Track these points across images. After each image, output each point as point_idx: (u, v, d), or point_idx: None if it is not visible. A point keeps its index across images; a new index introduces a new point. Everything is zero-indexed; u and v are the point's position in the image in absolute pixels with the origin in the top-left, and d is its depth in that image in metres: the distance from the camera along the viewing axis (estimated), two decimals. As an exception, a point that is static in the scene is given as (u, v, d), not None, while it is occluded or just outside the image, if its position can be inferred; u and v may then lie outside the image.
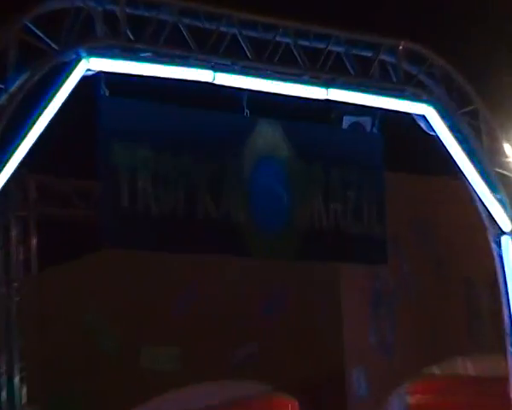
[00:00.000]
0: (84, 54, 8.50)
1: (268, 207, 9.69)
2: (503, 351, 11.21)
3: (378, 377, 12.48)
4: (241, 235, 9.68)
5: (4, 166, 8.60)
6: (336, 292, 12.09)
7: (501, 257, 10.89)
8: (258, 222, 9.61)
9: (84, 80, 8.71)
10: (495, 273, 11.25)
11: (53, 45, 8.40)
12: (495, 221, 11.09)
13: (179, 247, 9.75)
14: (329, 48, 9.79)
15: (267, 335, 12.48)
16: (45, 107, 8.43)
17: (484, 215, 11.09)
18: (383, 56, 10.18)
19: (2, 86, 8.49)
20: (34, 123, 8.44)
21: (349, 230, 10.19)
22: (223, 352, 13.02)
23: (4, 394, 12.23)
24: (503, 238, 10.90)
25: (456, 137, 10.50)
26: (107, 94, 8.65)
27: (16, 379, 12.62)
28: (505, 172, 11.15)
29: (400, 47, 10.18)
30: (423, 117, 10.38)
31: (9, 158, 8.57)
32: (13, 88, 8.40)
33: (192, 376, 13.08)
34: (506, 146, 11.06)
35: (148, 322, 13.36)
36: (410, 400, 12.85)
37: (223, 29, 9.24)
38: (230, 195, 9.43)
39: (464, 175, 10.78)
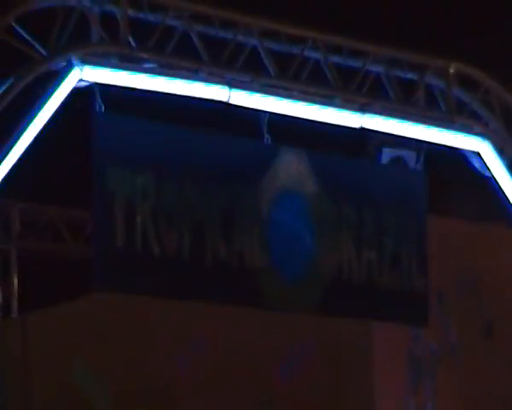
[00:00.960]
0: (76, 61, 7.47)
1: (288, 251, 8.63)
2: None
3: None
4: (255, 282, 8.46)
5: None
6: (367, 357, 10.56)
7: None
8: (276, 267, 8.50)
9: (77, 92, 7.67)
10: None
11: (40, 50, 7.38)
12: None
13: (184, 294, 8.63)
14: (367, 67, 8.87)
15: (283, 403, 10.96)
16: (30, 121, 7.36)
17: None
18: (430, 80, 9.30)
19: None
20: (17, 140, 7.35)
21: (384, 282, 9.18)
22: None
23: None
24: None
25: None
26: (102, 110, 7.56)
27: None
28: None
29: (451, 70, 9.26)
30: (477, 154, 9.61)
31: None
32: None
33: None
34: None
35: (145, 383, 11.72)
36: None
37: (241, 39, 8.20)
38: (244, 234, 8.36)
39: None
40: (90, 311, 12.22)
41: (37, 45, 7.38)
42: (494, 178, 9.65)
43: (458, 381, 11.00)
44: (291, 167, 8.57)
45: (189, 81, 7.96)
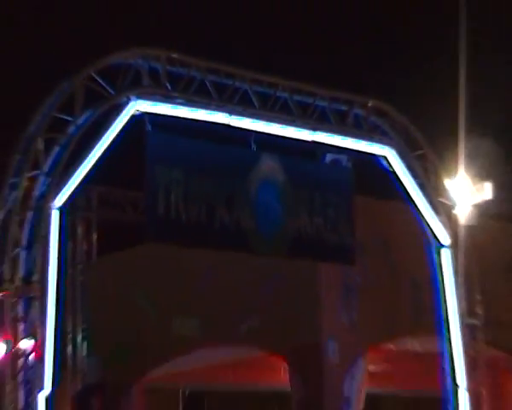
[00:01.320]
0: (133, 98, 9.10)
1: (268, 218, 10.17)
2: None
3: (346, 347, 12.77)
4: (246, 237, 10.21)
5: (74, 179, 9.01)
6: (317, 284, 12.62)
7: (440, 264, 11.28)
8: (260, 229, 10.11)
9: (134, 119, 9.21)
10: (434, 275, 11.96)
11: (110, 91, 9.05)
12: (436, 237, 11.48)
13: (202, 245, 10.36)
14: (316, 102, 10.31)
15: (266, 311, 12.92)
16: (105, 137, 8.95)
17: (428, 232, 11.47)
18: (356, 110, 10.72)
19: (71, 119, 8.96)
20: (97, 147, 8.90)
21: (327, 238, 10.59)
22: (233, 323, 13.45)
23: (70, 348, 13.80)
24: (442, 250, 11.39)
25: (409, 174, 10.93)
26: (150, 129, 9.17)
27: (79, 337, 14.17)
28: (445, 201, 11.55)
29: (369, 104, 10.64)
30: (385, 158, 10.81)
31: (77, 174, 9.01)
32: (80, 121, 8.95)
33: (209, 340, 13.51)
34: (446, 181, 11.49)
35: (178, 298, 13.72)
36: (369, 366, 13.33)
37: (237, 85, 9.78)
38: (240, 208, 9.97)
39: (414, 202, 11.16)
40: (142, 255, 13.49)
41: (108, 88, 9.02)
42: (396, 173, 10.73)
43: (372, 302, 12.62)
44: (269, 165, 9.94)
45: (204, 111, 9.47)
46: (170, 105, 9.52)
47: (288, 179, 10.25)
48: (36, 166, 9.03)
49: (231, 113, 9.82)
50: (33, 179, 9.09)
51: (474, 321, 11.33)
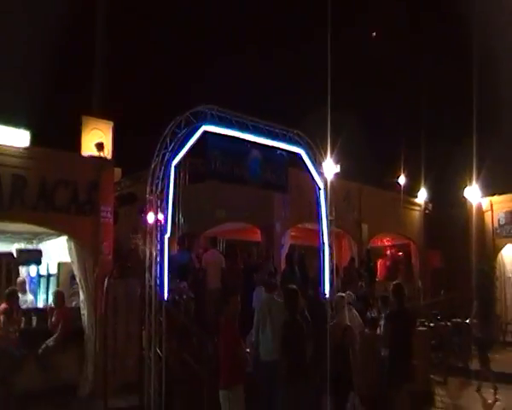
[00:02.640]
0: (204, 124, 10.35)
1: (255, 174, 11.69)
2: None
3: (283, 226, 15.56)
4: (246, 180, 11.70)
5: (180, 155, 10.28)
6: (272, 200, 15.12)
7: (319, 197, 12.64)
8: (251, 178, 11.67)
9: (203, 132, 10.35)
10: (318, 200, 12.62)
11: (194, 120, 10.24)
12: (318, 185, 12.68)
13: (228, 181, 11.87)
14: (266, 127, 11.37)
15: (254, 210, 15.46)
16: (192, 138, 10.31)
17: (316, 183, 12.70)
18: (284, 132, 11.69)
19: (179, 131, 10.12)
20: (190, 141, 10.25)
21: (277, 182, 12.20)
22: (238, 213, 15.81)
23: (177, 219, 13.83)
24: (321, 191, 12.59)
25: (309, 160, 12.41)
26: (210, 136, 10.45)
27: (181, 218, 14.98)
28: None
29: (294, 131, 11.96)
30: (300, 153, 12.13)
31: (181, 152, 10.32)
32: (183, 132, 10.21)
33: (229, 220, 15.98)
34: (323, 163, 12.55)
35: (217, 203, 16.06)
36: (291, 233, 16.29)
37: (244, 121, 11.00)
38: (244, 169, 11.49)
39: (311, 171, 12.36)
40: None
41: (193, 119, 10.10)
42: (303, 160, 12.22)
43: (292, 206, 15.33)
44: (255, 152, 11.60)
45: (231, 131, 10.85)
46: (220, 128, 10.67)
47: (262, 158, 11.75)
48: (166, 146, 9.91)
49: (243, 132, 11.10)
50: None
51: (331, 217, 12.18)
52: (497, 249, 19.28)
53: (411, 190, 19.79)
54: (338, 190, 14.05)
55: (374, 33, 27.12)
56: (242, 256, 13.24)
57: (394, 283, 9.45)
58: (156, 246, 9.74)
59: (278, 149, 11.74)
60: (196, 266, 12.11)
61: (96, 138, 11.06)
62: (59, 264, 11.68)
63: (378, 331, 10.33)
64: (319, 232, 12.40)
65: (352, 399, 8.60)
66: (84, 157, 10.79)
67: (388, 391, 8.18)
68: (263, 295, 9.92)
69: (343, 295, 10.88)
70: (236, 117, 10.79)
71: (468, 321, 13.18)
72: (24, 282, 11.75)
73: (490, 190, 19.08)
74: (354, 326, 9.78)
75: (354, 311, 10.43)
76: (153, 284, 9.68)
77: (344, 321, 9.59)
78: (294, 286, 7.69)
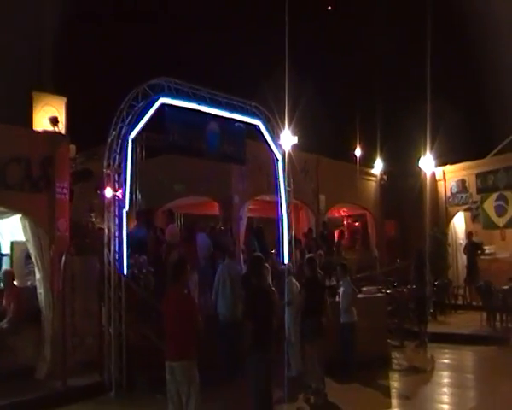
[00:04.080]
0: (161, 96, 10.41)
1: (212, 145, 11.72)
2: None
3: (241, 198, 15.32)
4: (204, 153, 11.77)
5: (137, 128, 10.25)
6: (230, 172, 15.03)
7: (278, 168, 12.96)
8: (208, 150, 11.68)
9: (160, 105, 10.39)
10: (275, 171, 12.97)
11: (151, 93, 10.24)
12: (276, 156, 12.99)
13: (187, 154, 11.87)
14: (223, 100, 11.57)
15: (211, 183, 15.21)
16: (149, 112, 10.38)
17: (274, 154, 13.04)
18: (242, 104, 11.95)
19: (136, 104, 10.15)
20: (147, 115, 10.33)
21: (234, 154, 12.35)
22: (197, 186, 15.58)
23: (134, 196, 13.67)
24: (279, 162, 12.97)
25: (267, 132, 12.72)
26: (167, 109, 10.59)
27: (138, 194, 14.93)
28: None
29: (252, 104, 12.23)
30: (258, 125, 12.44)
31: (138, 125, 10.31)
32: (140, 105, 10.20)
33: (188, 194, 15.74)
34: (281, 134, 12.85)
35: (177, 177, 15.74)
36: (249, 206, 15.90)
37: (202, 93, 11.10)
38: (201, 141, 11.49)
39: (269, 143, 12.79)
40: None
41: (150, 91, 10.07)
42: (261, 131, 12.53)
43: (250, 179, 15.23)
44: (213, 124, 11.69)
45: (190, 103, 10.91)
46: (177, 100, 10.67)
47: (220, 131, 11.87)
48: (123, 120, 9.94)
49: (200, 104, 11.17)
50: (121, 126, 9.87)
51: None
52: (450, 217, 19.87)
53: (367, 161, 19.99)
54: (296, 161, 14.15)
55: (329, 7, 26.66)
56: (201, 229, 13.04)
57: (308, 256, 10.29)
58: (114, 221, 9.69)
59: (236, 121, 11.84)
60: (154, 240, 12.05)
61: (49, 114, 10.78)
62: (12, 243, 11.15)
63: (337, 298, 10.73)
64: (277, 204, 12.61)
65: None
66: (37, 132, 10.42)
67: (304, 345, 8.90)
68: (225, 260, 10.76)
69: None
70: (194, 89, 10.76)
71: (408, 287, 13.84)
72: None
73: (443, 159, 19.52)
74: (293, 293, 10.17)
75: (294, 280, 10.62)
76: (112, 259, 9.62)
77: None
78: (260, 254, 7.81)
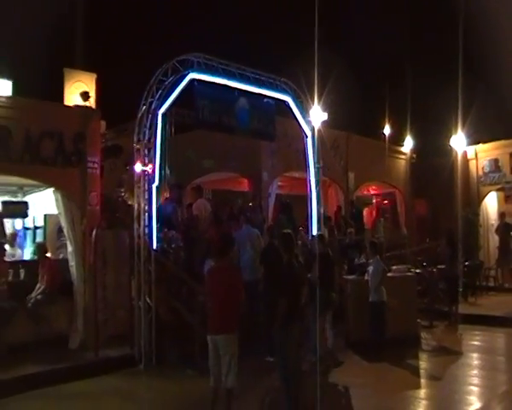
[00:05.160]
0: (191, 71, 10.45)
1: (242, 122, 11.76)
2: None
3: (270, 175, 15.34)
4: (234, 129, 11.72)
5: (168, 102, 10.33)
6: (260, 149, 14.95)
7: (307, 145, 12.88)
8: (239, 126, 11.71)
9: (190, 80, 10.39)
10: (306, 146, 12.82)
11: (181, 68, 10.30)
12: (305, 132, 12.86)
13: (216, 130, 11.80)
14: (252, 76, 11.58)
15: (240, 160, 15.16)
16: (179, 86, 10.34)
17: (303, 131, 12.80)
18: (271, 80, 11.94)
19: (166, 79, 10.15)
20: (176, 90, 10.31)
21: (264, 130, 12.29)
22: (226, 162, 15.44)
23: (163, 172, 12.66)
24: (308, 139, 12.87)
25: (296, 107, 12.46)
26: (196, 84, 10.60)
27: (168, 169, 13.96)
28: (309, 119, 12.72)
29: (281, 79, 12.19)
30: (287, 101, 12.35)
31: (169, 100, 10.35)
32: (170, 80, 10.22)
33: (217, 170, 15.72)
34: (310, 111, 12.59)
35: (206, 153, 15.60)
36: (278, 183, 15.81)
37: (231, 69, 11.14)
38: (232, 117, 11.55)
39: (298, 119, 12.59)
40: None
41: (180, 67, 10.14)
42: (290, 108, 12.42)
43: (278, 156, 15.03)
44: (242, 101, 11.65)
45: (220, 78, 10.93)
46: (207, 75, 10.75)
47: (249, 107, 11.85)
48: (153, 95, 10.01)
49: (230, 79, 11.21)
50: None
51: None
52: (481, 197, 19.30)
53: (397, 139, 19.68)
54: (325, 138, 13.98)
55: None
56: (226, 208, 13.14)
57: (318, 233, 10.90)
58: (144, 196, 9.77)
59: (265, 96, 11.81)
60: (184, 215, 12.01)
61: (80, 90, 10.92)
62: (45, 216, 11.35)
63: (366, 277, 10.56)
64: (306, 181, 12.58)
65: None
66: (69, 107, 10.49)
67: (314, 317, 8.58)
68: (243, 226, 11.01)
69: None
70: (223, 64, 10.75)
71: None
72: (15, 235, 11.76)
73: (475, 138, 18.90)
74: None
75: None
76: (141, 233, 9.73)
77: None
78: (289, 230, 7.68)
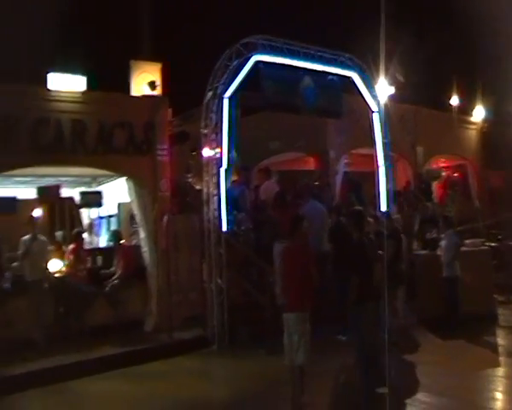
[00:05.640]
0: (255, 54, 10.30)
1: (308, 101, 11.54)
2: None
3: (337, 152, 15.15)
4: (300, 109, 11.52)
5: (233, 86, 10.32)
6: (326, 126, 14.75)
7: (373, 120, 12.56)
8: (305, 105, 11.53)
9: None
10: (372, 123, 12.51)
11: (244, 51, 10.15)
12: (371, 107, 12.46)
13: (285, 110, 11.77)
14: (316, 54, 11.31)
15: (306, 139, 14.97)
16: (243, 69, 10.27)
17: (369, 105, 12.40)
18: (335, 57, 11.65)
19: (230, 63, 10.19)
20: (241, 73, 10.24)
21: (331, 108, 12.06)
22: (292, 143, 15.26)
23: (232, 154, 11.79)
24: (374, 114, 12.58)
25: (362, 83, 12.24)
26: (262, 66, 10.49)
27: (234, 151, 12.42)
28: (375, 94, 12.31)
29: (346, 55, 11.84)
30: (352, 77, 12.04)
31: (234, 83, 10.32)
32: (234, 63, 10.23)
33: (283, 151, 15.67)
34: (376, 85, 12.23)
35: (271, 135, 15.48)
36: (346, 160, 15.40)
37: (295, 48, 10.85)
38: (298, 97, 11.31)
39: (362, 94, 12.27)
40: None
41: (243, 50, 10.03)
42: (354, 83, 12.14)
43: (346, 134, 14.40)
44: (307, 79, 11.38)
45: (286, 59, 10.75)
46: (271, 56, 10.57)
47: (315, 85, 11.53)
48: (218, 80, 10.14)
49: (294, 59, 10.98)
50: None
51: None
52: (561, 169, 17.68)
53: (467, 109, 18.88)
54: (392, 112, 13.60)
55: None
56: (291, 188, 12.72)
57: (386, 210, 10.91)
58: (213, 180, 9.94)
59: (330, 74, 11.55)
60: (252, 198, 12.14)
61: (146, 81, 11.16)
62: (119, 204, 11.76)
63: (438, 252, 10.48)
64: (374, 157, 12.27)
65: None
66: (138, 97, 10.71)
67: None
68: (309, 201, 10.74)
69: None
70: (287, 44, 10.58)
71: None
72: (92, 224, 12.38)
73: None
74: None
75: None
76: (211, 217, 9.87)
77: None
78: (360, 208, 7.79)
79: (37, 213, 10.72)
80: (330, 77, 11.53)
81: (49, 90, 9.72)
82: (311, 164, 15.45)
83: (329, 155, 14.57)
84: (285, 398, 6.44)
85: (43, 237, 9.74)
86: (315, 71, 11.22)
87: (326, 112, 11.90)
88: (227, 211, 9.89)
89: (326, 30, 19.87)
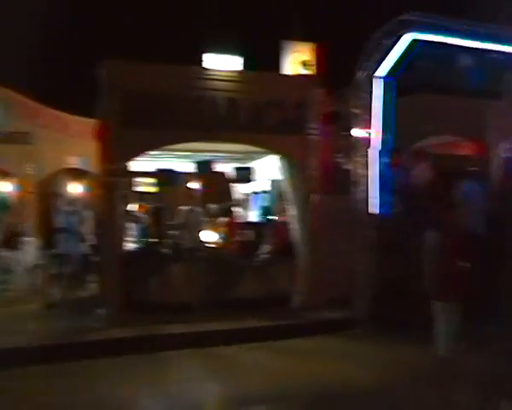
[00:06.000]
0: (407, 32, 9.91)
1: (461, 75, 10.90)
2: None
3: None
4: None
5: (384, 66, 9.90)
6: None
7: None
8: None
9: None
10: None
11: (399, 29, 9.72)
12: None
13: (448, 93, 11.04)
14: (479, 30, 10.33)
15: None
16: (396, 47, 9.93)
17: None
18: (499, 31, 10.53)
19: (380, 41, 9.78)
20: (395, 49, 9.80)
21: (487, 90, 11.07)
22: None
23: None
24: None
25: None
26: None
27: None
28: None
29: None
30: None
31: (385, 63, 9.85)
32: (385, 42, 9.92)
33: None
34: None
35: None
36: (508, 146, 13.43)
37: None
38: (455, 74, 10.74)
39: None
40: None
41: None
42: None
43: None
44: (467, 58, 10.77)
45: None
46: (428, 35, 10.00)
47: (474, 64, 11.17)
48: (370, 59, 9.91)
49: (454, 37, 10.25)
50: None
51: None
52: None
53: None
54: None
55: None
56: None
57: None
58: (363, 160, 9.82)
59: (494, 51, 10.72)
60: (404, 181, 11.78)
61: (298, 61, 11.64)
62: (272, 181, 11.92)
63: None
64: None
65: None
66: (291, 76, 10.92)
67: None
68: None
69: None
70: (445, 22, 10.00)
71: None
72: (246, 199, 12.70)
73: None
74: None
75: None
76: (361, 198, 9.80)
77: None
78: None
79: (195, 186, 11.50)
80: (494, 55, 10.76)
81: (205, 69, 10.20)
82: (467, 149, 14.41)
83: (489, 138, 13.14)
84: (435, 392, 6.15)
85: (199, 209, 10.29)
86: (475, 49, 10.58)
87: (486, 93, 11.35)
88: (380, 193, 9.78)
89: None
